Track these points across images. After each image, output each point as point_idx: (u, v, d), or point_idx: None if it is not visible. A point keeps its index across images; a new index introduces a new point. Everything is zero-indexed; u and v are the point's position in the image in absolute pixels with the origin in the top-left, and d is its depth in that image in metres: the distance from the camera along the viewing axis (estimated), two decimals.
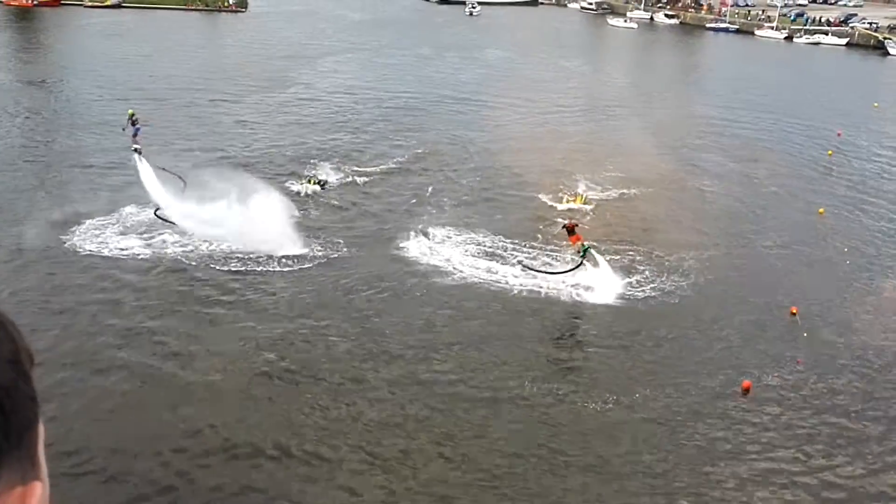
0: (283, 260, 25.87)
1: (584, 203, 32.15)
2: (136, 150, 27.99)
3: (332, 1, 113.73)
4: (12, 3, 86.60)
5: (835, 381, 21.12)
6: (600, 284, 24.73)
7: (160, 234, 27.47)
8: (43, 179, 33.75)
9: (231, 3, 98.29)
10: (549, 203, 32.33)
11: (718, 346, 22.45)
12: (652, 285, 25.74)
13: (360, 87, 56.07)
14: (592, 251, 25.14)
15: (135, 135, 28.03)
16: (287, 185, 33.01)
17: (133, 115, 28.33)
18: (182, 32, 79.93)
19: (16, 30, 76.42)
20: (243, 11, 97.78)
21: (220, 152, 38.45)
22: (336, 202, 32.00)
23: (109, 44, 68.74)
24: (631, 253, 28.33)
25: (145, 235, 27.42)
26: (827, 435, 18.71)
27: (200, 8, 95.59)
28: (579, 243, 25.13)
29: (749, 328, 23.74)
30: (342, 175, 34.94)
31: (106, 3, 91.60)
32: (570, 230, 25.50)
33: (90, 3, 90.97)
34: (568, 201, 31.95)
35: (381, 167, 36.69)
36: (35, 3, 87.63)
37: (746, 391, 20.21)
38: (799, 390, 20.50)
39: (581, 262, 24.91)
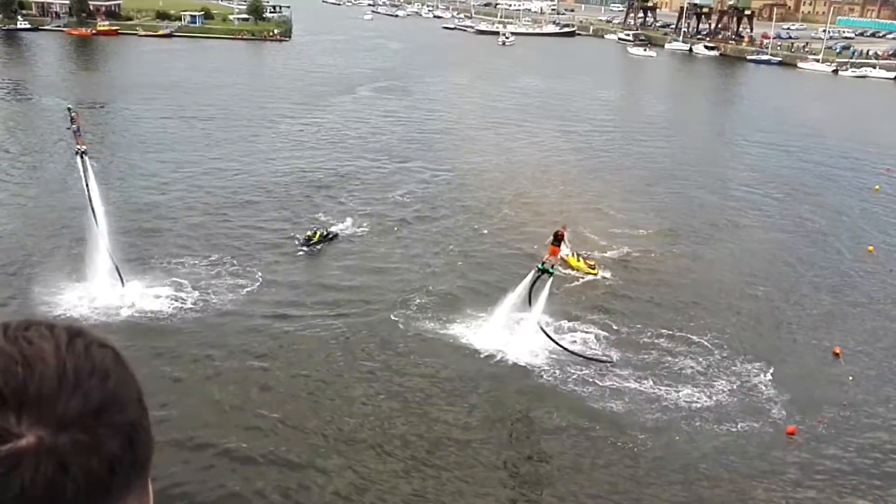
0: (284, 313, 24.10)
1: (593, 269, 28.48)
2: (81, 152, 24.91)
3: (372, 31, 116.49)
4: (73, 33, 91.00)
5: (881, 426, 20.25)
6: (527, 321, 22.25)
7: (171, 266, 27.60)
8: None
9: (276, 32, 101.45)
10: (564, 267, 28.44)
11: (761, 386, 21.74)
12: (692, 324, 25.18)
13: (396, 115, 56.91)
14: (547, 279, 22.15)
15: (76, 133, 25.05)
16: (295, 220, 32.19)
17: (70, 110, 25.47)
18: (229, 59, 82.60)
19: (77, 57, 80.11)
20: (287, 40, 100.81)
21: (246, 174, 39.01)
22: (343, 253, 29.52)
23: (161, 70, 71.31)
24: (671, 291, 27.79)
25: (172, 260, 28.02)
26: (874, 484, 17.88)
27: (247, 37, 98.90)
28: (552, 259, 22.35)
29: (792, 368, 22.98)
30: (359, 212, 33.31)
31: (159, 33, 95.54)
32: (558, 239, 22.27)
33: (144, 33, 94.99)
34: (585, 262, 28.49)
35: (404, 204, 35.36)
36: (94, 32, 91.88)
37: (791, 435, 19.50)
38: (843, 435, 19.71)
39: (539, 275, 22.18)
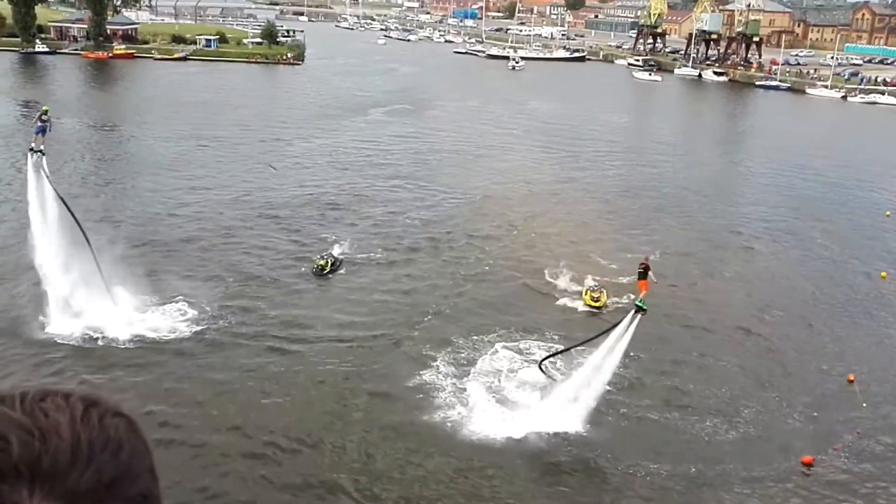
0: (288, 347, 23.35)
1: (604, 304, 27.44)
2: (33, 150, 23.77)
3: (384, 55, 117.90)
4: (90, 56, 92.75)
5: None
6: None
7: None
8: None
9: (289, 56, 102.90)
10: (569, 302, 28.06)
11: (775, 414, 21.51)
12: (705, 352, 25.00)
13: (407, 137, 57.22)
14: (637, 317, 19.71)
15: (38, 133, 23.88)
16: (305, 245, 31.93)
17: (47, 111, 24.93)
18: (242, 82, 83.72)
19: (92, 79, 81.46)
20: (300, 64, 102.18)
21: (257, 196, 38.96)
22: (353, 282, 28.84)
23: (175, 92, 72.36)
24: (682, 318, 27.58)
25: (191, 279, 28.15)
26: None
27: (260, 61, 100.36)
28: (643, 295, 20.08)
29: (806, 396, 22.75)
30: (370, 236, 32.95)
31: (174, 56, 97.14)
32: (644, 272, 20.18)
33: (160, 56, 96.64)
34: (595, 297, 27.45)
35: (415, 228, 35.01)
36: (110, 55, 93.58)
37: (808, 465, 19.23)
38: (860, 464, 19.45)
39: (636, 313, 19.76)
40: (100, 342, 22.95)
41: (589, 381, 20.28)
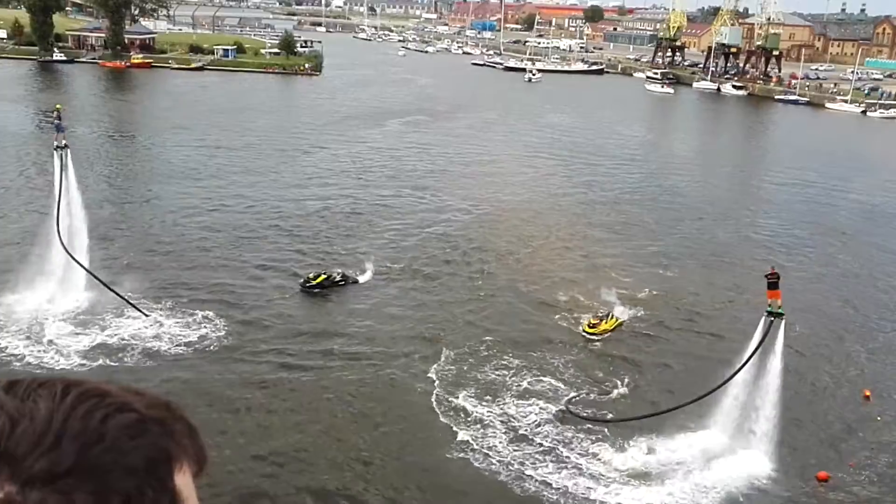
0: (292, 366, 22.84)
1: (615, 325, 26.58)
2: (61, 146, 25.09)
3: (401, 66, 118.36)
4: (107, 65, 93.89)
5: None
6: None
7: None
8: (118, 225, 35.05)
9: (306, 66, 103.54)
10: (572, 326, 26.99)
11: (790, 430, 20.75)
12: (719, 367, 24.19)
13: (423, 149, 57.05)
14: (779, 324, 18.52)
15: (59, 131, 25.67)
16: (311, 257, 31.54)
17: (58, 109, 26.41)
18: (259, 93, 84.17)
19: (110, 88, 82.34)
20: (317, 75, 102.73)
21: (270, 207, 38.64)
22: (365, 298, 28.32)
23: (191, 101, 72.95)
24: (696, 332, 26.96)
25: (212, 282, 27.93)
26: None
27: (278, 71, 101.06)
28: (776, 301, 18.77)
29: (822, 412, 22.25)
30: (379, 252, 32.14)
31: (191, 66, 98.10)
32: (774, 281, 18.92)
33: (177, 66, 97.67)
34: (593, 324, 26.22)
35: (425, 244, 34.33)
36: (127, 64, 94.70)
37: (823, 481, 18.57)
38: (875, 479, 18.99)
39: (769, 327, 18.70)
40: (95, 354, 22.74)
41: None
